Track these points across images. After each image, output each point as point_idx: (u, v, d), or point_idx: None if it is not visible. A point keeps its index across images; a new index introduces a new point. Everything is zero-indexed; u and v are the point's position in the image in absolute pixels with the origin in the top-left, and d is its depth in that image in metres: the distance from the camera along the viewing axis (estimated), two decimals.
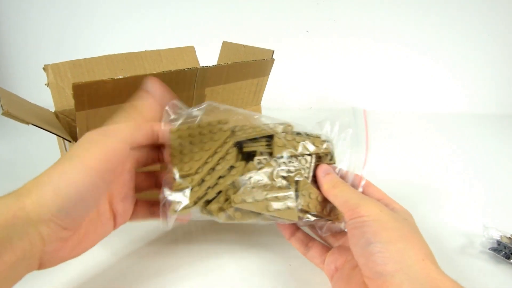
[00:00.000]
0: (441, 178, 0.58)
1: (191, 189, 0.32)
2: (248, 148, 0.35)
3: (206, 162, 0.33)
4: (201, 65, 0.64)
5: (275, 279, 0.37)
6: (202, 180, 0.33)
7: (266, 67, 0.51)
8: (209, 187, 0.33)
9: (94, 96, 0.39)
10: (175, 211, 0.31)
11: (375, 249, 0.27)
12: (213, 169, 0.33)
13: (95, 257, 0.40)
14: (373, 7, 0.91)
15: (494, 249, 0.41)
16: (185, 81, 0.44)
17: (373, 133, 0.76)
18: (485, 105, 0.93)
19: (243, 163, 0.34)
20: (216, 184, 0.33)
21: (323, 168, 0.35)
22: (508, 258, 0.40)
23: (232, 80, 0.49)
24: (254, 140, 0.35)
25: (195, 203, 0.32)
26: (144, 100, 0.35)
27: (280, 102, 0.95)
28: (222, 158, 0.34)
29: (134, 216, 0.36)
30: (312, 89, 0.98)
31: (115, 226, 0.34)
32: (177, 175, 0.32)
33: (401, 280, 0.25)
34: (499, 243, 0.41)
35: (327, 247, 0.37)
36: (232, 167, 0.34)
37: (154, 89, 0.36)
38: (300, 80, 0.98)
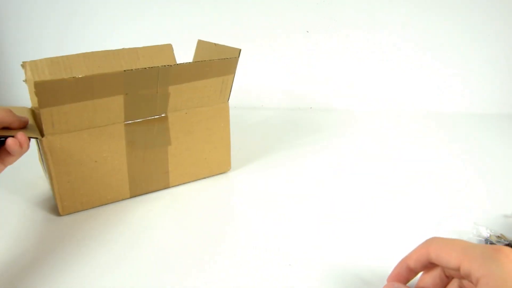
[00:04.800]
0: (440, 177, 0.58)
1: None
2: None
3: None
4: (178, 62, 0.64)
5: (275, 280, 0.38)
6: None
7: (230, 66, 0.52)
8: None
9: (58, 94, 0.41)
10: None
11: None
12: None
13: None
14: (373, 7, 0.89)
15: None
16: (148, 80, 0.45)
17: (373, 133, 0.76)
18: (485, 105, 0.90)
19: None
20: None
21: None
22: None
23: (195, 78, 0.49)
24: None
25: None
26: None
27: (280, 101, 0.95)
28: None
29: None
30: (312, 89, 0.98)
31: None
32: None
33: None
34: (487, 241, 0.42)
35: None
36: None
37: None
38: (300, 80, 0.98)
